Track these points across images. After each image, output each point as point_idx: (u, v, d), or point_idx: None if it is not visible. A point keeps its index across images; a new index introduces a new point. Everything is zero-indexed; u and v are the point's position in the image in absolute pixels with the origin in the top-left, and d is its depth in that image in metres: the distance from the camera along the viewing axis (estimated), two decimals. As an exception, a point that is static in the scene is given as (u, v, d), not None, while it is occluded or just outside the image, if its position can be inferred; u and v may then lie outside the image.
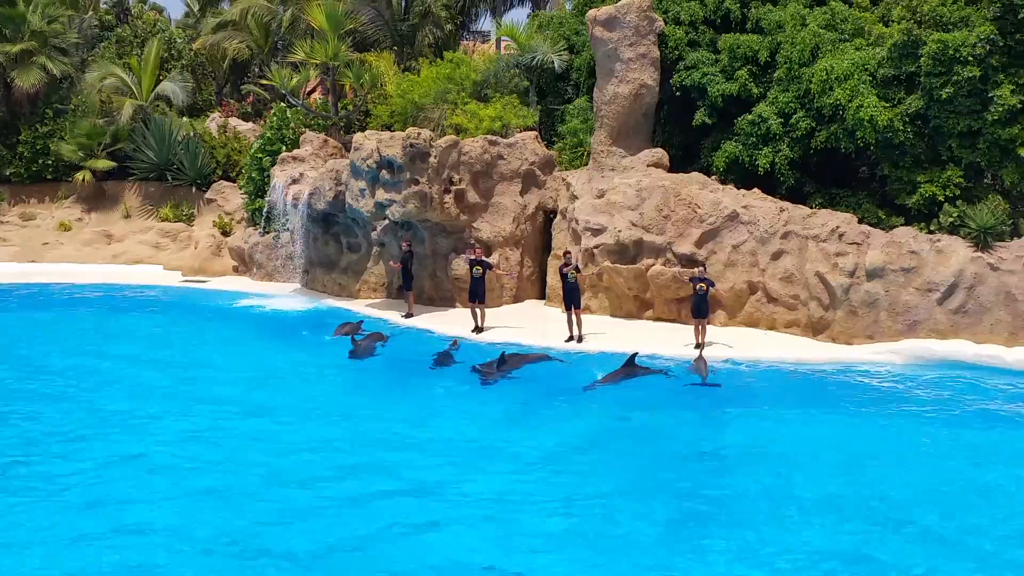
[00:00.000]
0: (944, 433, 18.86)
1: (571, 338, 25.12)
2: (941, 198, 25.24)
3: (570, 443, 18.48)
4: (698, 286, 24.51)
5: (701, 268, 25.10)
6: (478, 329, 26.17)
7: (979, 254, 23.85)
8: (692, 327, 24.84)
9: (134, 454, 17.68)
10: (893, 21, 26.96)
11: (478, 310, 26.39)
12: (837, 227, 25.06)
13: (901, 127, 25.36)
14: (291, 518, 15.00)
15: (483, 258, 26.85)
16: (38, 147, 39.89)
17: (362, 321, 26.89)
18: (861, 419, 19.58)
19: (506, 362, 22.64)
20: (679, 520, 15.10)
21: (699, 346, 24.04)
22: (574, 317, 25.18)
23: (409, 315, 27.89)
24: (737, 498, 15.83)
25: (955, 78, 24.56)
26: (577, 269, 25.48)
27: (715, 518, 15.12)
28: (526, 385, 21.82)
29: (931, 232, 24.94)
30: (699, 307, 24.61)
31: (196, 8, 52.82)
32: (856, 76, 26.10)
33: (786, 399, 20.92)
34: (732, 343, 24.47)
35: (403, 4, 40.91)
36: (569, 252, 26.38)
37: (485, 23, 49.21)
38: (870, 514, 15.17)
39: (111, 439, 18.45)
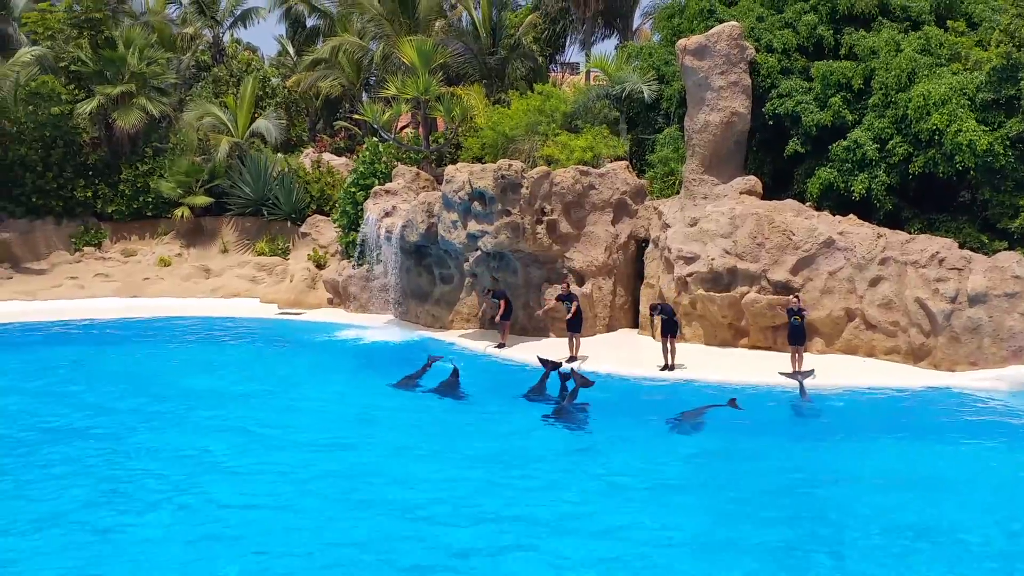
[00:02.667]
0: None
1: (666, 367, 25.00)
2: (1045, 222, 24.78)
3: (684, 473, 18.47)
4: (793, 318, 24.38)
5: (795, 299, 24.83)
6: (572, 358, 26.17)
7: (1086, 278, 23.33)
8: (788, 355, 24.67)
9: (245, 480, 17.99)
10: (991, 45, 26.57)
11: (573, 339, 26.43)
12: (937, 252, 24.65)
13: (1002, 151, 24.94)
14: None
15: (571, 291, 26.97)
16: (139, 185, 41.02)
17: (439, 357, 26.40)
18: (972, 447, 19.24)
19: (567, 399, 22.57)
20: (789, 549, 14.95)
21: (796, 374, 23.72)
22: (668, 345, 25.06)
23: (502, 345, 27.99)
24: (854, 527, 15.65)
25: (1057, 100, 24.17)
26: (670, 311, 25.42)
27: (831, 545, 14.98)
28: (609, 418, 21.66)
29: (1035, 256, 24.47)
30: (795, 334, 24.44)
31: (291, 49, 53.94)
32: (954, 100, 25.75)
33: (893, 426, 20.55)
34: (832, 370, 24.11)
35: (492, 38, 41.29)
36: (661, 297, 26.41)
37: (573, 54, 49.52)
38: (988, 546, 14.89)
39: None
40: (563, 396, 22.70)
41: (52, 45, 41.57)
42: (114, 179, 41.51)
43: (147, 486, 17.75)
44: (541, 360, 24.82)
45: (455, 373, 24.22)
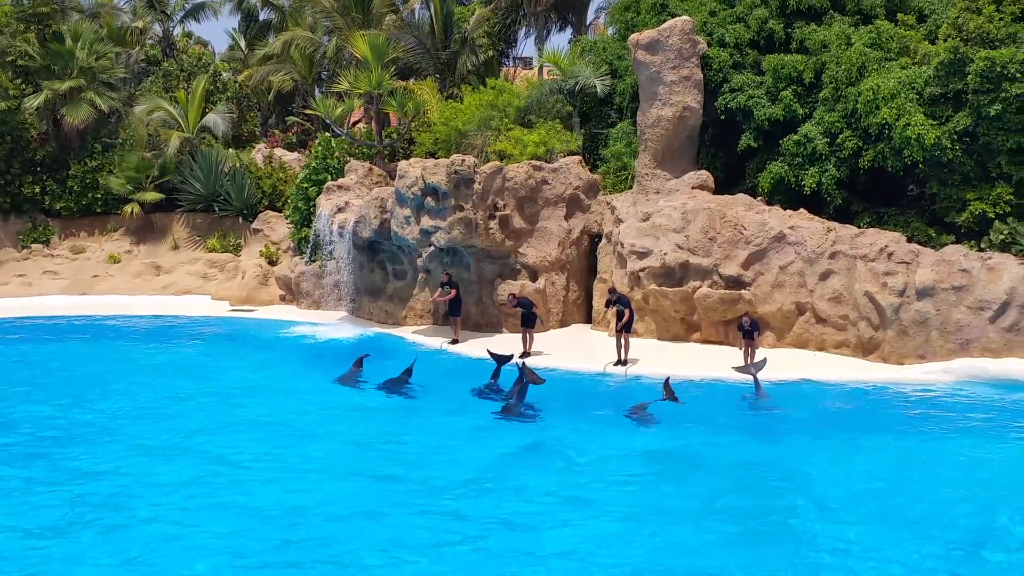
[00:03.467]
0: (1005, 452, 18.55)
1: (619, 362, 25.00)
2: (991, 215, 25.00)
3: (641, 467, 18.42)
4: (744, 332, 24.53)
5: (746, 318, 24.82)
6: (525, 354, 26.11)
7: (1031, 271, 23.55)
8: (740, 349, 24.78)
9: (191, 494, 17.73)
10: (939, 39, 26.77)
11: (527, 335, 26.39)
12: (886, 246, 24.83)
13: (949, 145, 25.13)
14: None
15: (524, 298, 26.95)
16: (87, 181, 40.45)
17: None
18: (919, 439, 19.37)
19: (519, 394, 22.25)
20: (744, 542, 14.96)
21: (748, 367, 23.72)
22: (622, 340, 25.06)
23: (455, 341, 27.90)
24: (801, 520, 15.69)
25: (1003, 95, 24.38)
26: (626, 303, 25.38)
27: (779, 540, 15.00)
28: (561, 414, 21.54)
29: (982, 250, 24.71)
30: (749, 335, 24.59)
31: (242, 43, 53.48)
32: (903, 95, 25.93)
33: (841, 420, 20.64)
34: (783, 364, 24.17)
35: (444, 32, 41.11)
36: (613, 290, 26.25)
37: (526, 49, 49.50)
38: (939, 536, 14.94)
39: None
40: (515, 391, 22.61)
41: (-2, 39, 40.95)
42: (62, 175, 40.90)
43: (75, 494, 17.34)
44: (491, 354, 24.73)
45: (408, 371, 24.01)
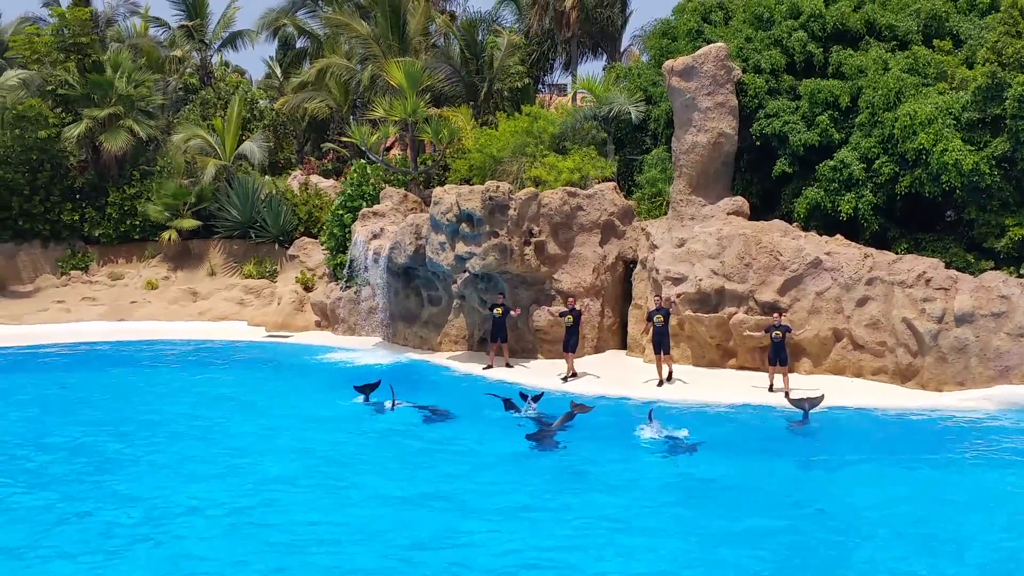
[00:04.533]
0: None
1: (661, 382, 25.06)
2: (1031, 241, 24.84)
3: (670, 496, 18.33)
4: (774, 334, 24.38)
5: (777, 315, 24.85)
6: (573, 375, 26.31)
7: (1073, 297, 23.34)
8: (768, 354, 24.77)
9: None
10: (977, 64, 26.67)
11: (569, 358, 26.48)
12: (924, 272, 24.67)
13: (987, 170, 24.99)
14: None
15: (575, 307, 27.00)
16: (126, 208, 40.96)
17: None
18: (963, 468, 19.16)
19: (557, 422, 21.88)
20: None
21: (803, 401, 23.22)
22: (660, 362, 25.18)
23: (489, 367, 27.92)
24: (840, 549, 15.52)
25: (1042, 119, 24.27)
26: (667, 314, 25.48)
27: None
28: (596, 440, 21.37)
29: (1021, 276, 24.55)
30: (776, 354, 24.44)
31: (279, 71, 54.01)
32: (940, 120, 25.80)
33: (882, 447, 20.48)
34: (820, 391, 23.98)
35: (477, 59, 41.34)
36: (659, 296, 26.38)
37: (561, 76, 49.76)
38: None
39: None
40: (560, 421, 22.34)
41: (39, 69, 41.53)
42: (101, 202, 41.47)
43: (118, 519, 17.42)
44: (494, 395, 24.24)
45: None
